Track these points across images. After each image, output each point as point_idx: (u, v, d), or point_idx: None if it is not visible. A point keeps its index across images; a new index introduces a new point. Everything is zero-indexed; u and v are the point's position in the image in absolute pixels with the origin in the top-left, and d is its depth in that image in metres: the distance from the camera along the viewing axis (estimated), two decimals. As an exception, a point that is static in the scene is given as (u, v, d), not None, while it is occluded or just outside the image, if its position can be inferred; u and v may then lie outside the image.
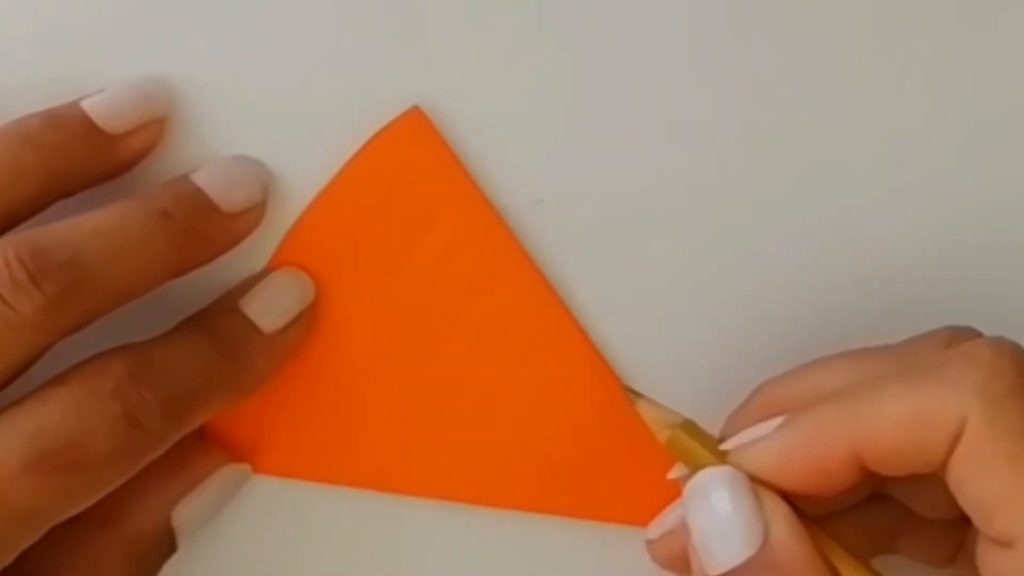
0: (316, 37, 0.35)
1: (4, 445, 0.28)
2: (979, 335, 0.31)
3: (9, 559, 0.29)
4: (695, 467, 0.31)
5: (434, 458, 0.35)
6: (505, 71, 0.35)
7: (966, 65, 0.36)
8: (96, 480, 0.29)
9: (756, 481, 0.30)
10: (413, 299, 0.35)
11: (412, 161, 0.35)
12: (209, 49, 0.35)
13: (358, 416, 0.35)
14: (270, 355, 0.33)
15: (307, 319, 0.34)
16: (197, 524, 0.34)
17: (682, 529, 0.31)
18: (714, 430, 0.33)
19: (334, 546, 0.36)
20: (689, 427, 0.32)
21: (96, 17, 0.35)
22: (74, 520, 0.30)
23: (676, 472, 0.32)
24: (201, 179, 0.33)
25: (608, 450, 0.35)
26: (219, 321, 0.33)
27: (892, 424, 0.29)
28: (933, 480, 0.29)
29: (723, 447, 0.31)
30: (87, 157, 0.32)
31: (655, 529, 0.33)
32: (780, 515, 0.29)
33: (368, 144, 0.35)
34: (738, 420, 0.33)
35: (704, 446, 0.31)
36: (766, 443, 0.30)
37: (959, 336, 0.31)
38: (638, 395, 0.33)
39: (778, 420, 0.30)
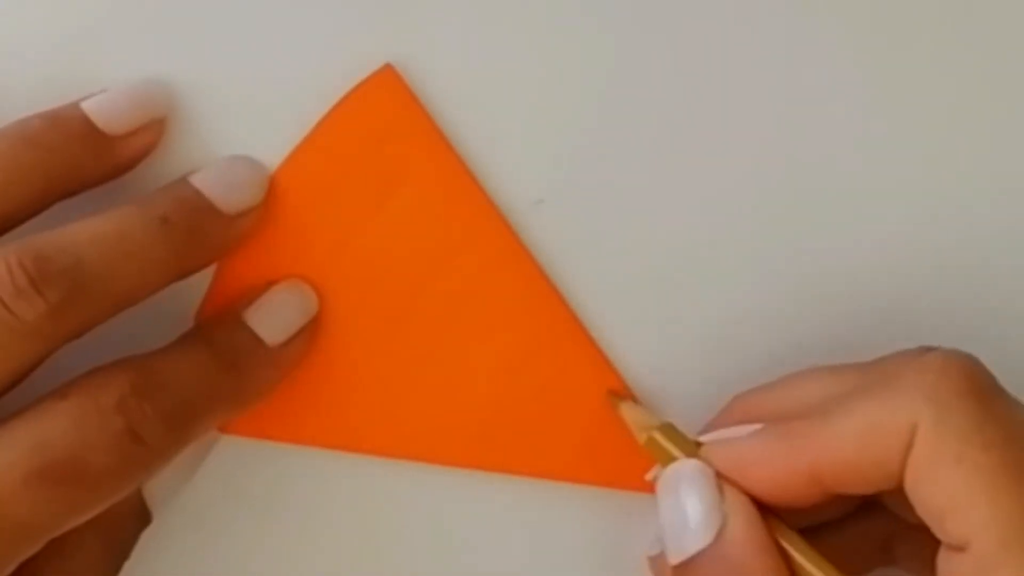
0: (316, 37, 0.35)
1: (5, 458, 0.28)
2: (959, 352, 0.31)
3: (8, 570, 0.29)
4: None
5: (405, 419, 0.35)
6: (506, 71, 0.35)
7: (967, 66, 0.36)
8: (97, 494, 0.29)
9: (725, 479, 0.31)
10: (385, 258, 0.35)
11: (384, 119, 0.35)
12: (204, 44, 0.35)
13: (329, 376, 0.35)
14: (273, 368, 0.33)
15: (310, 332, 0.34)
16: (169, 493, 0.34)
17: None
18: (711, 428, 0.34)
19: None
20: (667, 429, 0.33)
21: (96, 18, 0.34)
22: None
23: (652, 474, 0.33)
24: (200, 182, 0.33)
25: (581, 410, 0.35)
26: (222, 334, 0.33)
27: (848, 440, 0.29)
28: None
29: (700, 439, 0.32)
30: (87, 158, 0.32)
31: (654, 546, 0.33)
32: (739, 510, 0.30)
33: (340, 103, 0.35)
34: (713, 423, 0.34)
35: (680, 448, 0.32)
36: (736, 445, 0.31)
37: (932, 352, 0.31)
38: (620, 398, 0.34)
39: (755, 427, 0.31)
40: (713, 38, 0.35)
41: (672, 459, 0.32)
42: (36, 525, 0.29)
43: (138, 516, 0.33)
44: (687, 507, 0.31)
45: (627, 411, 0.34)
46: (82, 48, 0.34)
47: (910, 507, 0.31)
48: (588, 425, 0.35)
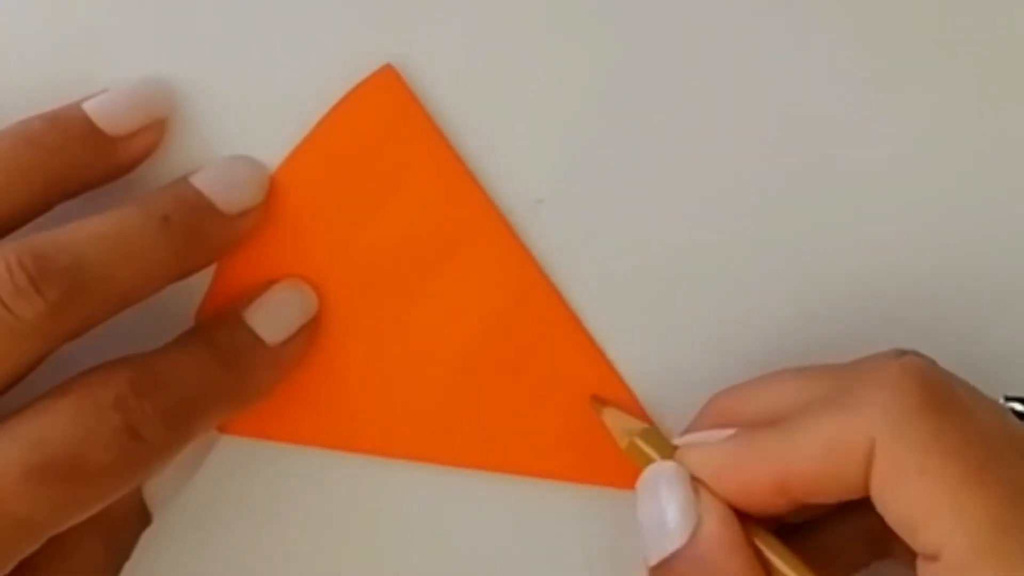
0: (316, 37, 0.35)
1: (4, 455, 0.28)
2: (921, 357, 0.31)
3: (8, 568, 0.29)
4: None
5: (405, 419, 0.35)
6: (506, 71, 0.35)
7: (968, 67, 0.36)
8: (96, 491, 0.29)
9: (699, 481, 0.31)
10: (385, 258, 0.35)
11: (385, 119, 0.35)
12: (205, 44, 0.35)
13: (328, 376, 0.35)
14: (273, 367, 0.33)
15: (310, 332, 0.34)
16: (169, 493, 0.34)
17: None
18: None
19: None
20: (648, 435, 0.33)
21: (96, 18, 0.35)
22: None
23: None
24: (200, 181, 0.33)
25: (580, 411, 0.35)
26: (221, 333, 0.33)
27: (809, 456, 0.30)
28: None
29: (675, 442, 0.33)
30: (89, 159, 0.32)
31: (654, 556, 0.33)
32: (713, 511, 0.31)
33: (340, 103, 0.35)
34: (691, 426, 0.34)
35: (660, 452, 0.33)
36: (708, 450, 0.32)
37: (902, 357, 0.31)
38: (602, 403, 0.35)
39: (727, 432, 0.31)
40: (714, 39, 0.36)
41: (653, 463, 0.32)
42: (35, 522, 0.29)
43: (138, 516, 0.33)
44: (663, 507, 0.31)
45: (609, 417, 0.34)
46: (82, 48, 0.34)
47: None
48: (587, 425, 0.35)
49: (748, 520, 0.31)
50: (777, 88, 0.36)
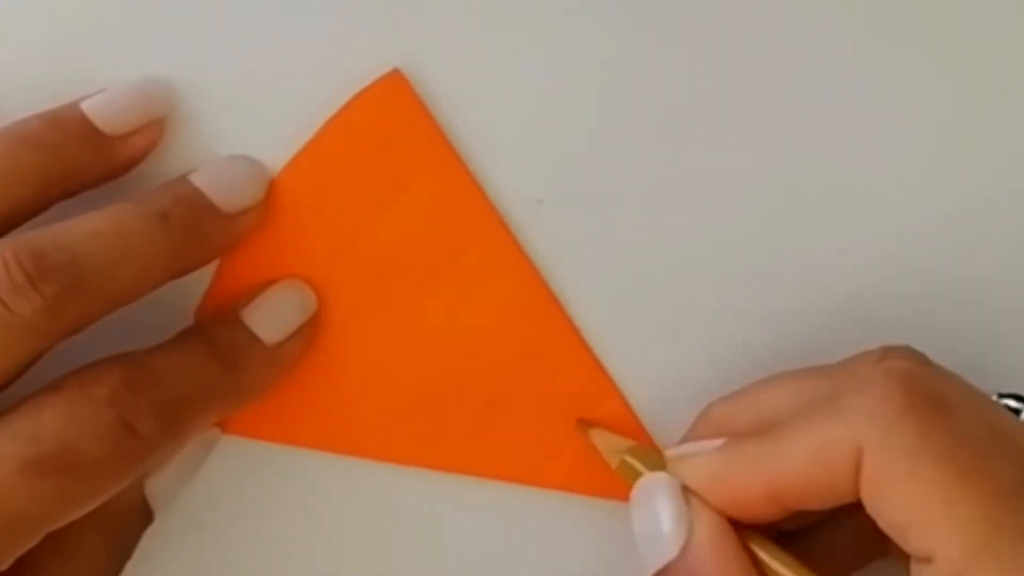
0: (325, 41, 0.35)
1: (0, 449, 0.28)
2: (910, 352, 0.31)
3: (6, 565, 0.29)
4: None
5: (403, 423, 0.35)
6: (509, 75, 0.35)
7: (969, 68, 0.36)
8: (92, 485, 0.29)
9: (692, 492, 0.31)
10: (387, 261, 0.35)
11: (390, 124, 0.35)
12: (209, 44, 0.35)
13: (329, 379, 0.35)
14: (270, 366, 0.33)
15: (309, 332, 0.34)
16: (171, 492, 0.34)
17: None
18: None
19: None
20: (637, 451, 0.33)
21: (96, 18, 0.35)
22: None
23: None
24: (199, 180, 0.33)
25: (576, 418, 0.35)
26: (218, 331, 0.33)
27: (797, 464, 0.30)
28: None
29: (666, 454, 0.33)
30: (87, 158, 0.32)
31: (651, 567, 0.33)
32: (704, 520, 0.31)
33: (347, 106, 0.35)
34: (687, 438, 0.34)
35: (651, 466, 0.33)
36: (698, 460, 0.32)
37: (890, 355, 0.31)
38: (589, 425, 0.35)
39: (718, 442, 0.31)
40: (713, 39, 0.36)
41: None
42: (32, 517, 0.29)
43: (140, 515, 0.33)
44: (656, 519, 0.31)
45: (597, 437, 0.34)
46: (82, 48, 0.35)
47: None
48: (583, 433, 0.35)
49: (743, 528, 0.31)
50: (777, 89, 0.36)
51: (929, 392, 0.29)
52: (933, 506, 0.28)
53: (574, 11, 0.35)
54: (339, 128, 0.35)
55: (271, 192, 0.35)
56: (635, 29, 0.35)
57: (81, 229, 0.30)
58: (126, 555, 0.33)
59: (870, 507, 0.29)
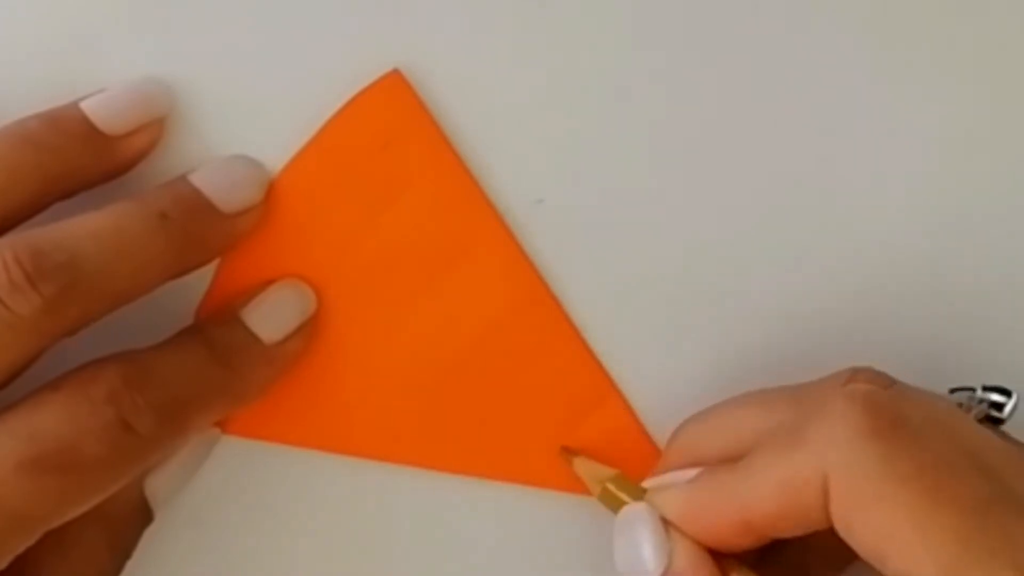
0: (325, 41, 0.35)
1: None
2: (874, 375, 0.31)
3: (4, 563, 0.29)
4: None
5: (404, 423, 0.35)
6: (509, 75, 0.35)
7: (970, 69, 0.36)
8: (90, 483, 0.29)
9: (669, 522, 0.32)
10: (387, 262, 0.35)
11: (390, 124, 0.35)
12: (209, 44, 0.35)
13: (329, 379, 0.35)
14: (268, 365, 0.33)
15: (308, 331, 0.34)
16: (170, 492, 0.34)
17: None
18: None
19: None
20: (619, 481, 0.33)
21: (96, 18, 0.35)
22: None
23: None
24: (199, 180, 0.33)
25: (575, 419, 0.35)
26: (217, 330, 0.33)
27: (767, 496, 0.30)
28: None
29: (644, 484, 0.33)
30: (86, 158, 0.32)
31: None
32: (682, 551, 0.31)
33: (347, 106, 0.35)
34: (662, 462, 0.35)
35: (631, 496, 0.33)
36: (674, 493, 0.32)
37: (855, 378, 0.31)
38: (574, 454, 0.35)
39: (692, 473, 0.32)
40: (714, 39, 0.36)
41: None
42: (30, 515, 0.29)
43: (140, 514, 0.33)
44: (638, 548, 0.31)
45: (580, 466, 0.35)
46: (82, 48, 0.35)
47: None
48: (581, 434, 0.35)
49: (724, 557, 0.31)
50: (778, 90, 0.36)
51: (891, 414, 0.29)
52: (904, 529, 0.28)
53: (574, 11, 0.35)
54: (339, 128, 0.35)
55: (271, 192, 0.35)
56: (635, 29, 0.35)
57: (81, 229, 0.30)
58: (126, 554, 0.33)
59: (843, 534, 0.29)
